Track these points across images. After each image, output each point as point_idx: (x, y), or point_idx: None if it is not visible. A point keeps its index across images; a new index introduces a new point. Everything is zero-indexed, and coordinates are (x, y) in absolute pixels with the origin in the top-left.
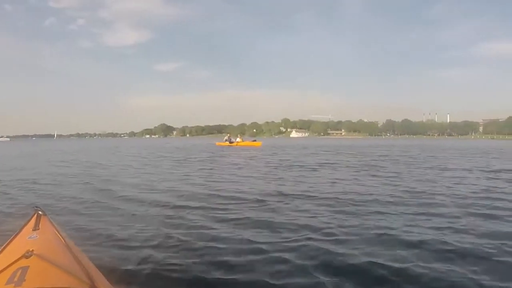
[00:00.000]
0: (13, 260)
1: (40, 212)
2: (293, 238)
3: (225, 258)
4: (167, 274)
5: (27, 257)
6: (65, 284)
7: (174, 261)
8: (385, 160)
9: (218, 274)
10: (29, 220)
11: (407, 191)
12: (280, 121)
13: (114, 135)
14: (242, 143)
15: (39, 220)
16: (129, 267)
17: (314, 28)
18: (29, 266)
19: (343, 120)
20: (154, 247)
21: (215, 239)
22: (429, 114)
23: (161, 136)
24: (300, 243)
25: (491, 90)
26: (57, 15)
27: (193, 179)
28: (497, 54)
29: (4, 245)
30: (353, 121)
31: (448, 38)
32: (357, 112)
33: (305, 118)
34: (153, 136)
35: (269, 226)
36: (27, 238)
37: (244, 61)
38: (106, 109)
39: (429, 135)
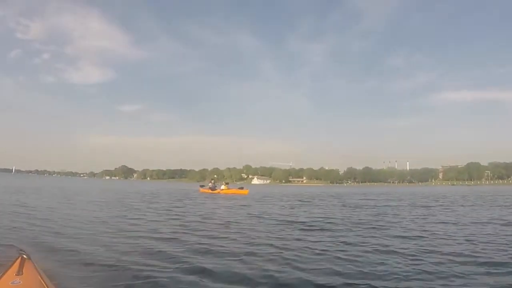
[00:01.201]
0: None
1: (24, 256)
2: None
3: None
4: None
5: None
6: None
7: None
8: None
9: None
10: (12, 264)
11: None
12: (241, 167)
13: (73, 174)
14: (228, 191)
15: (23, 265)
16: None
17: (275, 77)
18: None
19: (304, 168)
20: None
21: None
22: (389, 161)
23: (121, 178)
24: None
25: (448, 137)
26: (23, 47)
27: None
28: (453, 103)
29: None
30: (314, 168)
31: (405, 88)
32: (318, 160)
33: (267, 165)
34: (113, 177)
35: None
36: (9, 283)
37: (207, 106)
38: (66, 147)
39: (390, 182)
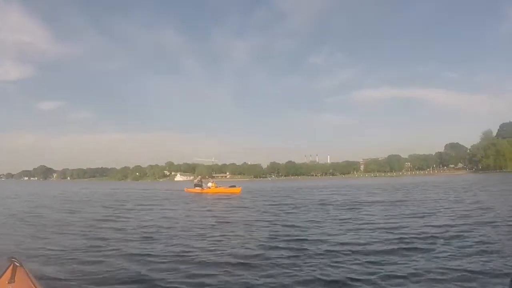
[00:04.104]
0: None
1: (16, 263)
2: None
3: None
4: None
5: None
6: None
7: None
8: None
9: None
10: (4, 272)
11: None
12: (164, 164)
13: None
14: (217, 190)
15: (15, 272)
16: None
17: (198, 74)
18: None
19: (227, 163)
20: None
21: None
22: (310, 156)
23: (41, 179)
24: None
25: (369, 132)
26: None
27: None
28: (373, 99)
29: None
30: (237, 164)
31: (327, 85)
32: (241, 155)
33: (189, 162)
34: (31, 178)
35: None
36: None
37: (128, 103)
38: None
39: (313, 175)
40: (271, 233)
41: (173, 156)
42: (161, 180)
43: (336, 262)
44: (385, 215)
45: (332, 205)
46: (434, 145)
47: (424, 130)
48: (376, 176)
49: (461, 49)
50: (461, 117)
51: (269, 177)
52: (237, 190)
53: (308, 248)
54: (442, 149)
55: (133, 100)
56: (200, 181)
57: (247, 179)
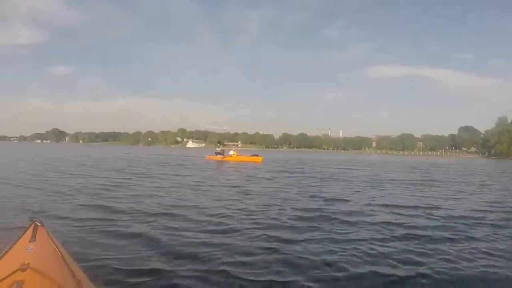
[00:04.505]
0: (9, 273)
1: (37, 223)
2: None
3: None
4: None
5: (23, 270)
6: None
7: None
8: None
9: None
10: (26, 231)
11: None
12: (176, 130)
13: (3, 138)
14: (238, 158)
15: (36, 231)
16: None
17: (210, 42)
18: (24, 280)
19: (239, 132)
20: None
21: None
22: (322, 129)
23: (53, 141)
24: None
25: (381, 109)
26: None
27: None
28: (386, 77)
29: (1, 255)
30: (249, 133)
31: (340, 60)
32: (253, 126)
33: (201, 129)
34: (44, 141)
35: None
36: (23, 250)
37: (140, 70)
38: None
39: (324, 148)
40: (300, 206)
41: (185, 124)
42: (173, 146)
43: (379, 240)
44: (413, 195)
45: (354, 180)
46: (446, 127)
47: (437, 112)
48: (388, 153)
49: (477, 31)
50: (476, 101)
51: (281, 148)
52: (259, 159)
53: (350, 222)
54: (455, 132)
55: (144, 67)
56: (222, 149)
57: (259, 149)
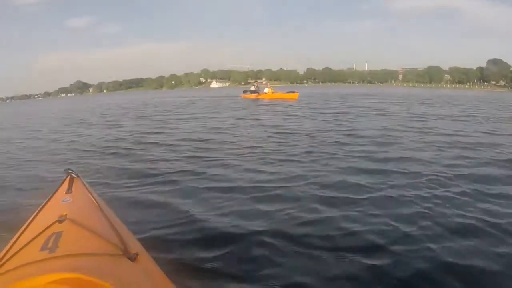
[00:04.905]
0: (47, 225)
1: (73, 175)
2: None
3: None
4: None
5: (60, 222)
6: (99, 249)
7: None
8: None
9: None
10: (62, 183)
11: None
12: (199, 72)
13: (28, 96)
14: (273, 96)
15: (72, 183)
16: (162, 231)
17: None
18: (62, 231)
19: (263, 69)
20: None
21: None
22: (348, 64)
23: (77, 94)
24: None
25: (407, 42)
26: None
27: None
28: (413, 8)
29: (39, 209)
30: (273, 70)
31: None
32: (277, 62)
33: (224, 69)
34: (68, 94)
35: None
36: (60, 202)
37: (159, 13)
38: (15, 70)
39: (350, 82)
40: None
41: (207, 64)
42: (196, 87)
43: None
44: (463, 130)
45: (393, 115)
46: (475, 59)
47: (465, 43)
48: (415, 86)
49: None
50: (505, 33)
51: (306, 83)
52: (295, 96)
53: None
54: (483, 65)
55: (163, 9)
56: (257, 86)
57: (284, 85)
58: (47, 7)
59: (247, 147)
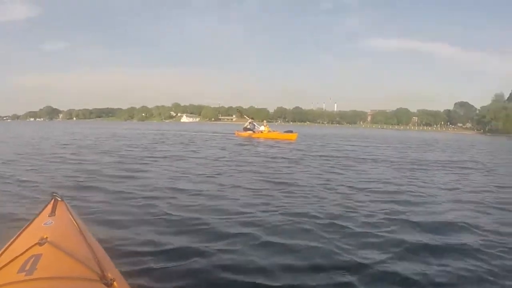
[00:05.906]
0: (27, 247)
1: (57, 198)
2: None
3: None
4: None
5: (40, 245)
6: (76, 273)
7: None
8: None
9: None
10: (46, 206)
11: None
12: (170, 105)
13: None
14: (270, 135)
15: (56, 206)
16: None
17: (212, 13)
18: (42, 254)
19: (233, 106)
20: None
21: None
22: (317, 102)
23: (46, 119)
24: None
25: (375, 83)
26: None
27: None
28: (380, 50)
29: (21, 231)
30: (244, 107)
31: (335, 31)
32: (247, 99)
33: (195, 103)
34: (37, 119)
35: None
36: (42, 224)
37: (136, 42)
38: None
39: (319, 122)
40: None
41: (178, 97)
42: (167, 121)
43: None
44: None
45: (387, 161)
46: (441, 102)
47: (432, 86)
48: (384, 128)
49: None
50: (471, 76)
51: (275, 122)
52: (293, 136)
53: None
54: (450, 107)
55: (140, 38)
56: (252, 123)
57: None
58: (24, 26)
59: None
